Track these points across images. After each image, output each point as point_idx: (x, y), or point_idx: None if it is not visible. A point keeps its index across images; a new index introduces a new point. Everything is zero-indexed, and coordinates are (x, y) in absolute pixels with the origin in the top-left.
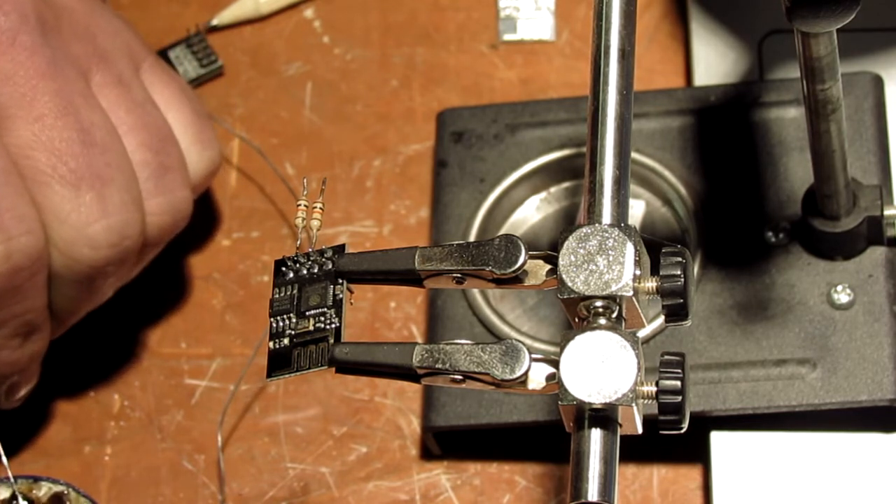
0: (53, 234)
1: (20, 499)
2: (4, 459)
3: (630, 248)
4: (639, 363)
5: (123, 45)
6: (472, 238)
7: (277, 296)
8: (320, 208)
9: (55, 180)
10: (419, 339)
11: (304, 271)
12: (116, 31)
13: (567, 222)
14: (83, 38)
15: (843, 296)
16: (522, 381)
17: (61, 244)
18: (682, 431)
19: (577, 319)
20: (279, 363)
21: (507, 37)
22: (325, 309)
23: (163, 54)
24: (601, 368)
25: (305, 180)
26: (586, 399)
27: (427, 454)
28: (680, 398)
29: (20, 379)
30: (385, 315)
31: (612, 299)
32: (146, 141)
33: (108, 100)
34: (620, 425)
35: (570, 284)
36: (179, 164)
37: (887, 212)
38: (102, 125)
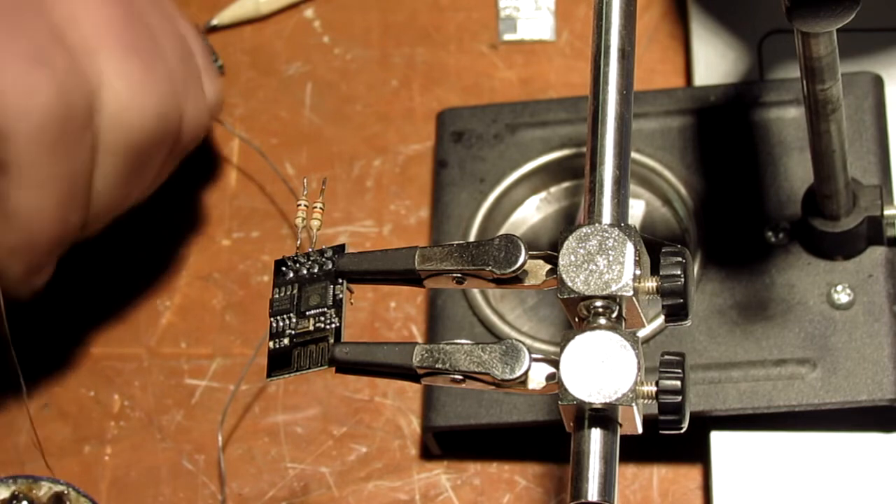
0: (101, 100)
1: (20, 498)
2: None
3: (630, 248)
4: (639, 363)
5: None
6: (472, 238)
7: (277, 296)
8: (320, 208)
9: (103, 48)
10: (419, 339)
11: (304, 271)
12: None
13: (567, 222)
14: None
15: (843, 296)
16: (522, 381)
17: (110, 108)
18: (682, 431)
19: (577, 319)
20: (279, 363)
21: (507, 37)
22: (325, 309)
23: None
24: (601, 368)
25: (305, 180)
26: (586, 399)
27: (427, 454)
28: (680, 398)
29: (45, 261)
30: (385, 315)
31: (612, 299)
32: (180, 45)
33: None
34: (620, 425)
35: (570, 284)
36: (201, 76)
37: (887, 212)
38: (147, 6)
